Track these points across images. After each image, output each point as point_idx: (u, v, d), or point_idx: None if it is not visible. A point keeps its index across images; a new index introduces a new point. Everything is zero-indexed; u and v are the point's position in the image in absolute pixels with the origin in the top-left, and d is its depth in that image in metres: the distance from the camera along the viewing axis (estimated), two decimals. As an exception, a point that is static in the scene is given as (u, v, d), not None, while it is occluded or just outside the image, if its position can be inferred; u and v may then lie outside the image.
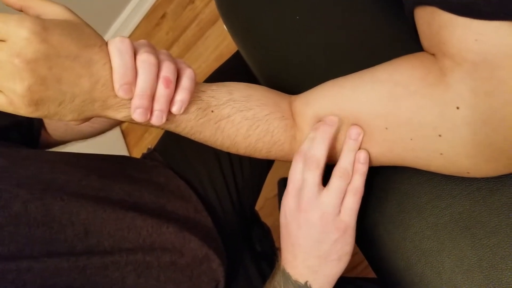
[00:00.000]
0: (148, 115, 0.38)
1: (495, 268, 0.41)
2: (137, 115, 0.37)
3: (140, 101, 0.37)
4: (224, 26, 0.63)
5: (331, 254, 0.43)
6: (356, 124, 0.41)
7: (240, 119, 0.43)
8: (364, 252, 0.51)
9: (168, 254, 0.53)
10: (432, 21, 0.34)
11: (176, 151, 0.69)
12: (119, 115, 0.39)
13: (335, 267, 0.43)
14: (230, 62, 0.78)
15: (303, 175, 0.42)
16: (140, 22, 1.67)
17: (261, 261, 0.72)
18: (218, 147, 0.46)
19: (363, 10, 0.50)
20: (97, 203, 0.49)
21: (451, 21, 0.32)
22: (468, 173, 0.38)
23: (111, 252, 0.48)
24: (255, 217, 0.81)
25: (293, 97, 0.48)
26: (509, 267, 0.40)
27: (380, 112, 0.38)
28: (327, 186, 0.42)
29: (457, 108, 0.33)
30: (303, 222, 0.43)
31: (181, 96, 0.39)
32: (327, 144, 0.41)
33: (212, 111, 0.42)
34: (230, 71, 0.75)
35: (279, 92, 0.48)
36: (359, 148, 0.42)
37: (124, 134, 1.72)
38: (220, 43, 1.40)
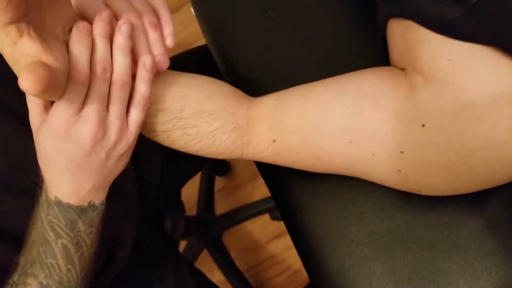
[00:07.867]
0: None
1: (423, 281, 0.42)
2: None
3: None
4: (192, 10, 0.60)
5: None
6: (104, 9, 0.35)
7: (180, 134, 0.39)
8: (301, 255, 0.51)
9: None
10: (407, 36, 0.34)
11: None
12: None
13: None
14: (195, 51, 0.72)
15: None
16: None
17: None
18: None
19: (334, 12, 0.50)
20: None
21: (427, 37, 0.32)
22: (419, 191, 0.38)
23: None
24: (176, 195, 0.79)
25: (254, 100, 0.43)
26: (436, 282, 0.42)
27: (346, 125, 0.37)
28: None
29: (423, 126, 0.32)
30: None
31: (168, 28, 0.39)
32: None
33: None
34: (195, 61, 0.69)
35: (239, 96, 0.43)
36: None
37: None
38: (179, 31, 1.34)
